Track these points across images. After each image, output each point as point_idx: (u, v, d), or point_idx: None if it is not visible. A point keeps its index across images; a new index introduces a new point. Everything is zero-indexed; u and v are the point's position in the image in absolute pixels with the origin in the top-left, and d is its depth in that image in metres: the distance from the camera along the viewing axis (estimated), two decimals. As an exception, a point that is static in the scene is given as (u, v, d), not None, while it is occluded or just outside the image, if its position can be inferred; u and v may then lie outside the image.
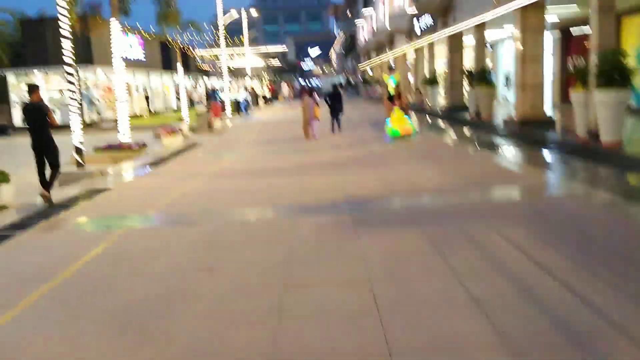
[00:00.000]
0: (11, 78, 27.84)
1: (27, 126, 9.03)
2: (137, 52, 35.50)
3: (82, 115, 28.38)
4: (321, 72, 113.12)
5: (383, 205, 7.79)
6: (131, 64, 33.86)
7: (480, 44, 19.20)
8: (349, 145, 15.46)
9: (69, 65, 11.07)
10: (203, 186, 10.01)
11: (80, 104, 28.08)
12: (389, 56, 40.11)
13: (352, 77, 72.89)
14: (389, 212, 7.39)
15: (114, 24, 15.37)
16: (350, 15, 76.74)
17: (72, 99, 11.18)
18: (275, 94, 35.81)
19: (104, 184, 10.56)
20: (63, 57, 11.09)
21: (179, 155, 15.03)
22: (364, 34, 54.03)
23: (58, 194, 9.38)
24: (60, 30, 11.00)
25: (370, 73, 57.50)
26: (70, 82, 11.13)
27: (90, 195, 9.35)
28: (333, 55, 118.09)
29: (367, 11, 48.00)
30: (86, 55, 28.26)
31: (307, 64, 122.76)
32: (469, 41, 22.87)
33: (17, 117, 27.91)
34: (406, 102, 17.46)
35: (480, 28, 18.87)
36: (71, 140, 11.41)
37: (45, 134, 9.01)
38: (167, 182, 10.67)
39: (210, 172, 11.72)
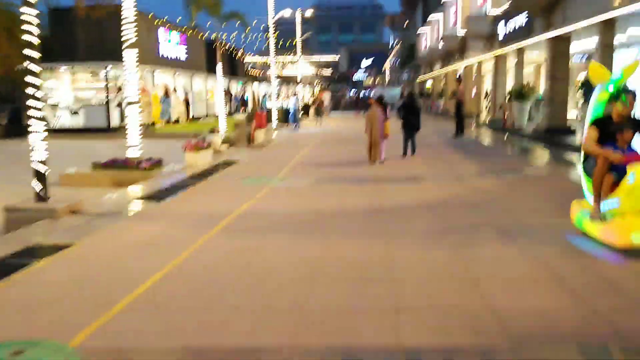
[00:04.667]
0: (33, 73, 24.71)
1: None
2: (179, 51, 32.09)
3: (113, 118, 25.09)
4: (373, 83, 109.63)
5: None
6: (171, 63, 30.51)
7: (607, 49, 14.53)
8: (436, 176, 11.11)
9: (31, 59, 7.19)
10: (213, 251, 5.88)
11: (119, 106, 24.69)
12: (458, 66, 35.54)
13: (407, 89, 68.55)
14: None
15: (127, 2, 11.54)
16: (407, 25, 72.54)
17: (33, 98, 7.27)
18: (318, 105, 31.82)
19: (60, 235, 6.57)
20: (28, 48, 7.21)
21: (201, 179, 11.04)
22: (426, 43, 49.48)
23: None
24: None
25: (428, 85, 52.96)
26: (32, 76, 7.24)
27: (13, 267, 5.27)
28: (387, 66, 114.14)
29: (433, 17, 43.48)
30: (116, 50, 24.88)
31: (358, 75, 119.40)
32: (576, 47, 18.24)
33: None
34: None
35: (609, 28, 14.24)
36: (34, 157, 7.49)
37: None
38: (162, 235, 6.61)
39: (235, 215, 7.62)
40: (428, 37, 48.41)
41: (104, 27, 24.30)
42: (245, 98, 40.03)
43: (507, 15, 22.77)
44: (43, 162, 7.42)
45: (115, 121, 24.31)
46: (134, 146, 11.96)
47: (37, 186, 7.37)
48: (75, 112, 24.45)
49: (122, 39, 11.64)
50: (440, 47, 40.15)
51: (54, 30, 25.78)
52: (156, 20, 28.06)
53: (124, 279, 4.89)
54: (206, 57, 37.06)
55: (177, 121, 29.09)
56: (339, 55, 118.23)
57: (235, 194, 9.50)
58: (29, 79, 7.21)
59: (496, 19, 24.90)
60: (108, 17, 23.46)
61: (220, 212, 7.81)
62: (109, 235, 6.57)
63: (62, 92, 25.02)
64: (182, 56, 32.52)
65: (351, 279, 4.87)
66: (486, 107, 30.03)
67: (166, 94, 28.63)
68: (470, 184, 10.04)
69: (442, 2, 38.44)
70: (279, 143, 19.74)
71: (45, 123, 7.47)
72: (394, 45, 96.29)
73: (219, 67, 19.57)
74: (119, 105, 23.85)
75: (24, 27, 7.05)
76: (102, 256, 5.70)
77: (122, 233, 6.72)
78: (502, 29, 23.96)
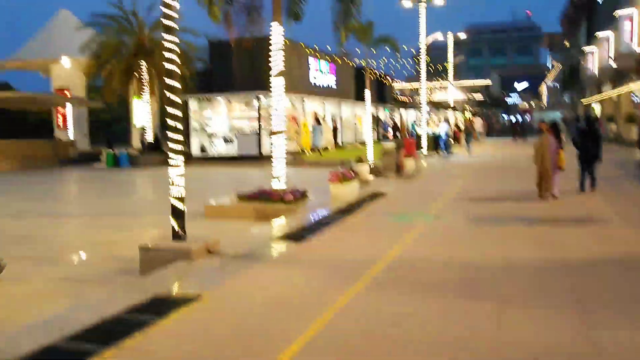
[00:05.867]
0: (193, 104, 25.95)
1: None
2: (328, 79, 32.21)
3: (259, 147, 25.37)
4: (529, 107, 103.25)
5: None
6: (321, 91, 30.67)
7: None
8: (627, 220, 9.10)
9: (172, 88, 6.80)
10: (357, 316, 4.80)
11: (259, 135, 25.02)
12: (634, 87, 31.40)
13: (570, 113, 63.09)
14: None
15: (275, 29, 11.16)
16: (569, 45, 67.15)
17: (173, 130, 6.86)
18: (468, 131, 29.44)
19: (190, 282, 5.95)
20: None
21: (346, 215, 10.12)
22: (593, 63, 44.96)
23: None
24: (165, 45, 6.72)
25: (597, 108, 47.93)
26: (172, 107, 6.83)
27: (129, 327, 4.62)
28: (544, 89, 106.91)
29: (602, 34, 39.33)
30: (267, 80, 25.39)
31: (512, 99, 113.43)
32: None
33: (196, 145, 25.92)
34: None
35: None
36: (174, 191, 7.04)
37: None
38: (298, 287, 5.69)
39: (382, 263, 6.51)
40: (595, 56, 43.97)
41: (257, 58, 24.96)
42: (394, 124, 39.06)
43: None
44: (181, 199, 6.95)
45: (266, 149, 24.68)
46: (278, 177, 11.44)
47: (174, 224, 6.91)
48: (230, 140, 25.25)
49: (271, 67, 11.26)
50: (611, 67, 36.02)
51: (213, 62, 27.15)
52: (307, 49, 28.37)
53: (249, 355, 3.99)
54: (354, 84, 37.00)
55: (325, 148, 28.96)
56: (489, 80, 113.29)
57: (382, 235, 8.42)
58: (169, 109, 6.81)
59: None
60: (260, 47, 24.11)
61: (365, 259, 6.77)
62: (240, 285, 5.79)
63: (218, 121, 26.05)
64: (332, 84, 32.63)
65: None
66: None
67: (317, 122, 28.73)
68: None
69: (613, 18, 34.52)
70: (430, 173, 18.39)
71: (183, 157, 6.99)
72: (553, 66, 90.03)
73: (367, 93, 18.84)
74: (270, 133, 24.19)
75: (165, 54, 6.68)
76: (230, 316, 4.90)
77: (255, 282, 5.92)
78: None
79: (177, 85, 6.82)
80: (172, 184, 6.92)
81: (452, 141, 28.73)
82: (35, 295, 6.00)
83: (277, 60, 11.23)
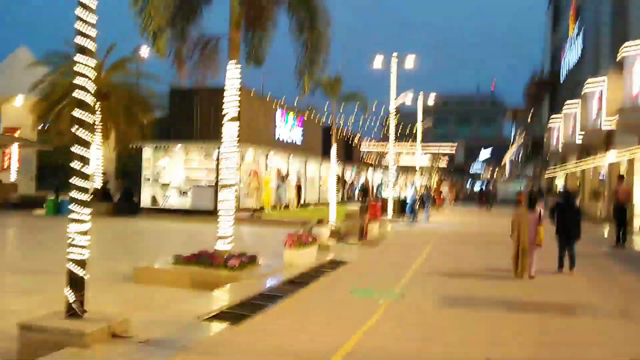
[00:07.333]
0: (147, 152, 24.31)
1: None
2: (294, 134, 31.20)
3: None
4: (491, 176, 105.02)
5: None
6: (286, 146, 29.56)
7: None
8: (621, 309, 7.88)
9: (83, 123, 5.39)
10: None
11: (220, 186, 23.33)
12: (600, 162, 31.35)
13: (533, 184, 63.71)
14: None
15: (231, 70, 9.92)
16: (532, 119, 68.75)
17: (78, 174, 5.38)
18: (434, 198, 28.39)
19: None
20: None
21: (298, 288, 8.61)
22: (558, 136, 45.41)
23: None
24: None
25: (560, 182, 48.20)
26: (80, 146, 5.39)
27: None
28: (506, 159, 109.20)
29: (568, 109, 39.76)
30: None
31: (476, 167, 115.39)
32: None
33: (147, 196, 24.14)
34: None
35: None
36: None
37: None
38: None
39: (339, 364, 5.05)
40: (560, 130, 44.45)
41: (218, 107, 23.81)
42: (363, 186, 38.00)
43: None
44: (81, 263, 5.39)
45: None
46: (224, 238, 9.92)
47: (69, 296, 5.31)
48: (184, 193, 23.62)
49: (223, 113, 9.97)
50: (577, 141, 36.15)
51: (172, 109, 25.77)
52: (273, 102, 27.42)
53: None
54: (322, 141, 36.09)
55: (287, 207, 27.56)
56: (456, 145, 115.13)
57: (339, 317, 6.95)
58: (75, 149, 5.36)
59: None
60: (222, 96, 23.04)
61: (316, 350, 5.31)
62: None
63: (174, 171, 24.47)
64: (298, 139, 31.63)
65: None
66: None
67: (280, 178, 27.51)
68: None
69: (577, 94, 34.97)
70: (395, 239, 17.09)
71: (89, 211, 5.47)
72: (515, 138, 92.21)
73: (333, 150, 17.69)
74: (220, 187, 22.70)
75: (77, 80, 5.29)
76: None
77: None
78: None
79: (88, 119, 5.40)
80: (72, 243, 5.37)
81: (417, 205, 27.68)
82: None
83: (231, 104, 9.94)
